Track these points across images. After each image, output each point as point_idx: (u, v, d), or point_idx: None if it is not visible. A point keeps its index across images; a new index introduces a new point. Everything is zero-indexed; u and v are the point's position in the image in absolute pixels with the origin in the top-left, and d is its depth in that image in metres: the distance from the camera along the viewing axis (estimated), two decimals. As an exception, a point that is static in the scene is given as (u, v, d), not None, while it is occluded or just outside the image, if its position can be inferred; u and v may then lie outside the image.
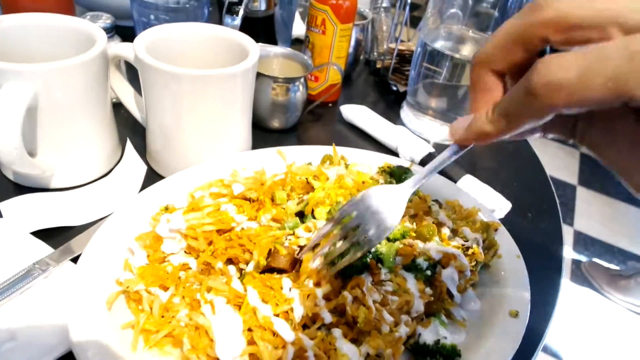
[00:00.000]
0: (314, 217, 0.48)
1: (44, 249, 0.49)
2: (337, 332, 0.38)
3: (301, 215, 0.49)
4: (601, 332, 1.80)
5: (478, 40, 0.74)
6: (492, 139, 0.30)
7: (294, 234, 0.45)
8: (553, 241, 0.64)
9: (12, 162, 0.48)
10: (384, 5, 0.96)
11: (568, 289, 1.89)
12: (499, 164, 0.79)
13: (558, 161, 2.66)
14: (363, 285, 0.40)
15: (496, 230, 0.54)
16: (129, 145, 0.61)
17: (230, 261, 0.45)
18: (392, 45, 0.90)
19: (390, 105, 0.88)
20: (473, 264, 0.47)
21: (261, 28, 0.80)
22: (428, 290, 0.43)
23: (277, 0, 0.80)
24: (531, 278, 0.49)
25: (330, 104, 0.85)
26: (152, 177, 0.61)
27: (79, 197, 0.56)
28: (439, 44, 0.75)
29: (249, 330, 0.38)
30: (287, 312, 0.39)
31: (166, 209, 0.48)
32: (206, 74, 0.52)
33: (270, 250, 0.43)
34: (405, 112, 0.83)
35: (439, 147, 0.78)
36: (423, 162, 0.69)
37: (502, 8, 0.70)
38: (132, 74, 0.65)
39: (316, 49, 0.78)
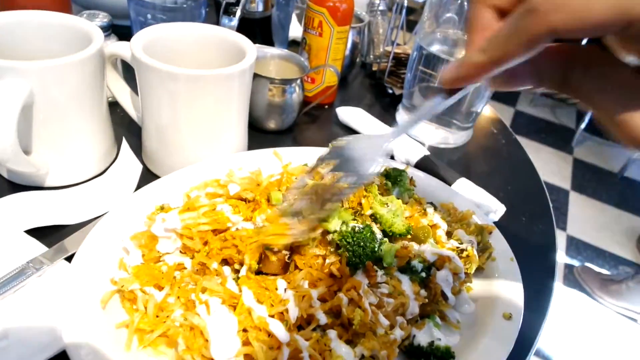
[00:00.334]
0: None
1: (37, 248, 0.48)
2: (332, 333, 0.38)
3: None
4: (593, 336, 1.81)
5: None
6: (483, 72, 0.28)
7: None
8: (546, 245, 0.65)
9: (6, 160, 0.48)
10: (381, 8, 0.96)
11: (560, 293, 1.90)
12: (493, 168, 0.80)
13: (551, 166, 2.68)
14: (359, 287, 0.40)
15: (490, 233, 0.54)
16: (124, 144, 0.61)
17: (225, 262, 0.45)
18: (388, 49, 0.90)
19: (385, 108, 0.89)
20: (467, 266, 0.47)
21: (258, 29, 0.80)
22: (423, 292, 0.43)
23: (274, 2, 0.80)
24: (524, 281, 0.50)
25: (326, 106, 0.85)
26: (148, 176, 0.61)
27: (73, 195, 0.56)
28: (435, 48, 0.75)
29: (244, 330, 0.38)
30: (282, 313, 0.39)
31: (162, 208, 0.48)
32: (203, 74, 0.52)
33: (261, 255, 0.43)
34: (401, 115, 0.83)
35: (434, 150, 0.79)
36: (418, 165, 0.69)
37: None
38: (128, 73, 0.65)
39: (313, 50, 0.78)
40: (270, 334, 0.37)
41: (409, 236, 0.46)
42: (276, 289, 0.40)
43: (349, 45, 0.85)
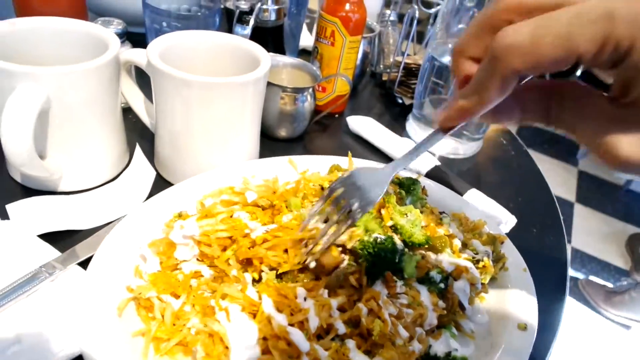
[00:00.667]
0: None
1: (50, 252, 0.48)
2: (350, 343, 0.38)
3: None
4: (600, 350, 1.79)
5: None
6: (469, 114, 0.31)
7: None
8: (557, 258, 0.65)
9: (22, 164, 0.48)
10: (392, 19, 0.97)
11: (566, 306, 1.89)
12: (503, 179, 0.80)
13: (556, 178, 2.67)
14: (379, 298, 0.40)
15: (502, 243, 0.54)
16: (138, 150, 0.61)
17: (245, 268, 0.44)
18: (399, 59, 0.91)
19: (395, 117, 0.89)
20: (483, 276, 0.47)
21: (270, 38, 0.80)
22: (441, 303, 0.43)
23: (286, 11, 0.81)
24: (536, 293, 0.50)
25: (336, 115, 0.85)
26: (160, 182, 0.61)
27: (86, 201, 0.56)
28: (447, 59, 0.75)
29: (264, 339, 0.38)
30: (302, 322, 0.39)
31: (179, 215, 0.48)
32: (218, 82, 0.52)
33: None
34: (411, 125, 0.84)
35: (445, 161, 0.79)
36: (429, 175, 0.69)
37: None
38: (141, 80, 0.65)
39: (324, 60, 0.78)
40: (290, 343, 0.37)
41: (427, 246, 0.46)
42: (295, 297, 0.40)
43: (359, 55, 0.85)
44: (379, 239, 0.43)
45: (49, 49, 0.56)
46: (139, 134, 0.67)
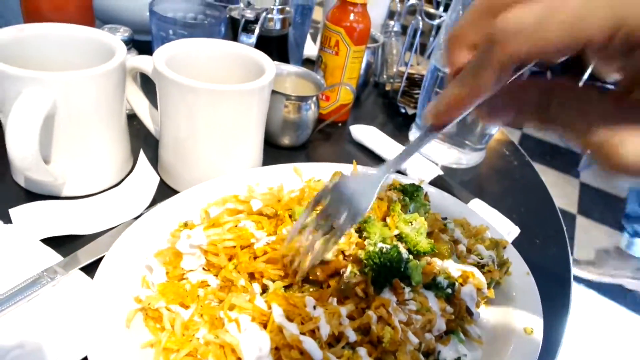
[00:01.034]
0: None
1: (53, 257, 0.48)
2: (362, 351, 0.38)
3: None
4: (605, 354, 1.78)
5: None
6: (462, 105, 0.29)
7: None
8: (562, 268, 0.64)
9: (27, 168, 0.48)
10: (395, 29, 0.98)
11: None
12: (506, 189, 0.80)
13: (557, 190, 2.67)
14: (388, 305, 0.40)
15: (504, 248, 0.54)
16: (142, 156, 0.62)
17: (252, 277, 0.44)
18: (402, 69, 0.91)
19: (398, 127, 0.89)
20: (488, 281, 0.47)
21: (275, 47, 0.81)
22: (449, 308, 0.43)
23: (291, 21, 0.82)
24: (541, 301, 0.49)
25: (339, 124, 0.85)
26: (164, 189, 0.61)
27: (89, 206, 0.56)
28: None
29: (276, 349, 0.37)
30: (313, 330, 0.38)
31: (185, 225, 0.48)
32: (224, 89, 0.53)
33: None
34: (414, 135, 0.84)
35: (447, 171, 0.79)
36: (432, 184, 0.69)
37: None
38: (145, 87, 0.66)
39: (328, 69, 0.79)
40: (302, 352, 0.36)
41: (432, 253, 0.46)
42: (304, 306, 0.39)
43: (363, 65, 0.86)
44: (384, 249, 0.43)
45: (56, 55, 0.57)
46: (142, 141, 0.68)
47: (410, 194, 0.53)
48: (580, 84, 0.29)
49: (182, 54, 0.59)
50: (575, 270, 1.98)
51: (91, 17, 0.73)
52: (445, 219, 0.57)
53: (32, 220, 0.52)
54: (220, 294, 0.43)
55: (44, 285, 0.45)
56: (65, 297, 0.45)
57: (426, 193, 0.58)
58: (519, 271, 0.52)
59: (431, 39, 0.97)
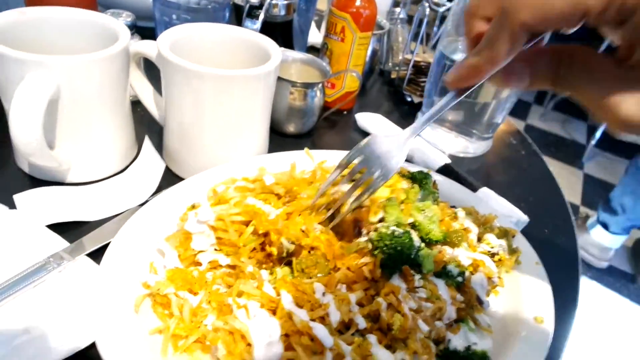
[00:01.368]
0: None
1: (58, 243, 0.48)
2: (372, 338, 0.38)
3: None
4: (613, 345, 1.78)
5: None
6: (480, 72, 0.32)
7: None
8: (570, 256, 0.64)
9: (31, 154, 0.48)
10: (401, 16, 0.96)
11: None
12: (513, 178, 0.79)
13: (561, 181, 2.64)
14: (398, 292, 0.40)
15: (513, 236, 0.53)
16: (147, 141, 0.61)
17: (263, 258, 0.44)
18: (408, 57, 0.90)
19: (404, 115, 0.88)
20: (498, 270, 0.47)
21: (279, 33, 0.80)
22: (459, 296, 0.42)
23: (296, 7, 0.80)
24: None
25: (345, 112, 0.84)
26: (169, 176, 0.60)
27: (94, 192, 0.56)
28: (457, 56, 0.74)
29: (285, 335, 0.37)
30: (322, 317, 0.38)
31: (193, 207, 0.48)
32: (230, 74, 0.52)
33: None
34: (421, 123, 0.83)
35: (454, 159, 0.78)
36: (439, 173, 0.68)
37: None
38: (149, 74, 0.65)
39: (334, 56, 0.77)
40: (312, 338, 0.36)
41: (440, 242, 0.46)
42: (313, 292, 0.39)
43: (368, 52, 0.85)
44: (396, 232, 0.42)
45: (59, 39, 0.56)
46: (147, 128, 0.67)
47: (420, 181, 0.53)
48: (600, 50, 0.32)
49: (186, 38, 0.58)
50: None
51: (93, 2, 0.72)
52: (453, 207, 0.57)
53: (36, 206, 0.51)
54: (228, 280, 0.42)
55: (50, 271, 0.44)
56: (72, 283, 0.44)
57: (435, 181, 0.57)
58: (529, 260, 0.52)
59: (435, 28, 0.95)
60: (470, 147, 0.80)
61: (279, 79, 0.67)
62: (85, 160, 0.56)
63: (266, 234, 0.44)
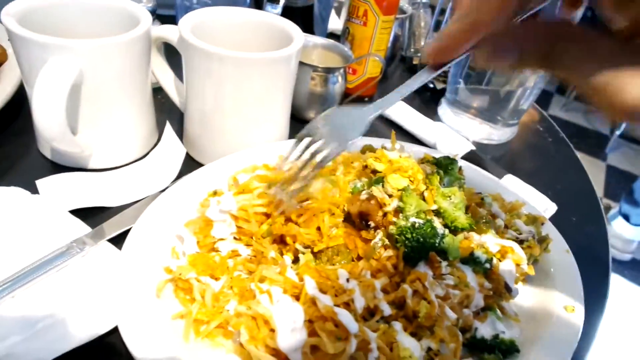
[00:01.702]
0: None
1: (81, 228, 0.48)
2: (397, 325, 0.37)
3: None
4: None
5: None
6: (462, 41, 0.29)
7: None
8: (599, 246, 0.62)
9: (54, 138, 0.48)
10: (423, 1, 0.94)
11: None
12: (540, 166, 0.77)
13: (584, 172, 2.60)
14: (424, 279, 0.39)
15: (542, 224, 0.52)
16: (168, 127, 0.60)
17: (283, 242, 0.43)
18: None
19: (426, 102, 0.86)
20: (527, 257, 0.45)
21: (300, 18, 0.78)
22: (487, 284, 0.41)
23: (316, -8, 0.79)
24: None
25: (366, 99, 0.83)
26: (189, 163, 0.60)
27: (115, 178, 0.56)
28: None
29: (309, 321, 0.36)
30: (347, 303, 0.37)
31: (214, 193, 0.47)
32: (252, 57, 0.51)
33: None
34: (444, 109, 0.81)
35: (478, 146, 0.76)
36: (464, 159, 0.67)
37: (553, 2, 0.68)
38: (170, 61, 0.64)
39: (356, 40, 0.76)
40: (337, 324, 0.35)
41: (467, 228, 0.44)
42: (337, 278, 0.38)
43: (390, 37, 0.83)
44: (416, 224, 0.41)
45: (80, 23, 0.56)
46: (167, 115, 0.66)
47: (445, 167, 0.51)
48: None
49: (207, 22, 0.57)
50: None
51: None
52: (479, 193, 0.55)
53: (58, 191, 0.51)
54: (249, 265, 0.42)
55: (73, 256, 0.44)
56: (95, 268, 0.44)
57: (460, 167, 0.55)
58: (558, 248, 0.50)
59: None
60: (495, 133, 0.78)
61: (301, 63, 0.66)
62: (106, 146, 0.56)
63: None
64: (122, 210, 0.51)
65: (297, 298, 0.38)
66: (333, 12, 1.03)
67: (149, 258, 0.42)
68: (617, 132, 2.72)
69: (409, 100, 0.84)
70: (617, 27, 0.27)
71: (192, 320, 0.38)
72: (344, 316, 0.35)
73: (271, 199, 0.43)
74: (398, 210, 0.43)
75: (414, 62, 0.93)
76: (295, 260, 0.43)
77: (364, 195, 0.44)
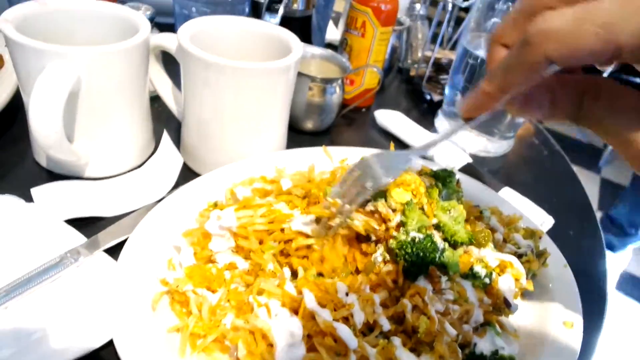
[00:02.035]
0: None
1: (75, 237, 0.47)
2: (396, 340, 0.36)
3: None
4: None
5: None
6: (492, 100, 0.30)
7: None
8: (596, 261, 0.62)
9: (50, 146, 0.47)
10: (421, 13, 0.95)
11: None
12: (536, 179, 0.77)
13: (577, 184, 2.61)
14: (424, 294, 0.38)
15: (540, 238, 0.52)
16: (165, 136, 0.60)
17: (281, 255, 0.43)
18: (428, 54, 0.89)
19: (423, 114, 0.87)
20: (525, 271, 0.45)
21: (298, 28, 0.78)
22: (486, 299, 0.41)
23: (315, 2, 0.79)
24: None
25: (363, 109, 0.83)
26: (186, 172, 0.59)
27: (112, 187, 0.55)
28: (481, 52, 0.73)
29: (308, 336, 0.36)
30: (346, 318, 0.37)
31: (215, 205, 0.46)
32: (250, 67, 0.51)
33: None
34: (441, 121, 0.81)
35: (475, 159, 0.76)
36: (461, 172, 0.67)
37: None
38: (168, 69, 0.64)
39: (354, 51, 0.76)
40: (336, 340, 0.35)
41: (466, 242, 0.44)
42: (336, 292, 0.38)
43: (388, 49, 0.83)
44: (417, 239, 0.41)
45: (78, 31, 0.55)
46: (164, 124, 0.66)
47: (443, 179, 0.51)
48: (605, 74, 0.29)
49: (206, 31, 0.57)
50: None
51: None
52: (477, 207, 0.55)
53: (53, 200, 0.51)
54: (247, 278, 0.41)
55: (67, 266, 0.43)
56: (89, 279, 0.43)
57: (458, 180, 0.55)
58: (556, 263, 0.50)
59: (450, 29, 0.94)
60: (491, 146, 0.78)
61: (299, 74, 0.66)
62: (103, 154, 0.55)
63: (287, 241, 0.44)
64: (118, 220, 0.50)
65: (296, 312, 0.37)
66: (331, 23, 1.03)
67: (145, 269, 0.41)
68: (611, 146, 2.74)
69: (406, 111, 0.84)
70: None
71: (189, 334, 0.38)
72: (344, 332, 0.34)
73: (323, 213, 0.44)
74: (399, 225, 0.43)
75: (411, 74, 0.94)
76: (294, 275, 0.42)
77: (369, 207, 0.44)
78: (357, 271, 0.43)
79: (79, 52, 0.46)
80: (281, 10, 0.71)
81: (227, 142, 0.57)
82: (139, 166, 0.59)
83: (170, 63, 0.60)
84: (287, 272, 0.41)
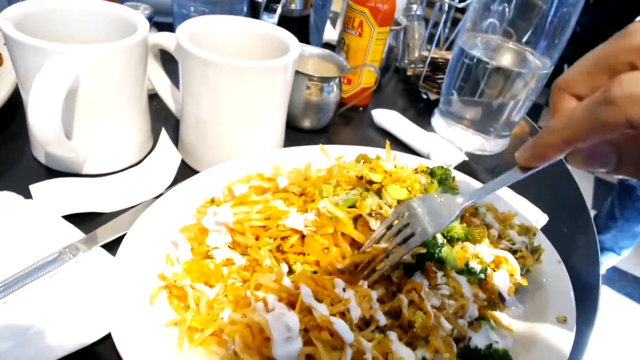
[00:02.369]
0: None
1: (74, 233, 0.47)
2: (392, 335, 0.37)
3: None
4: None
5: (516, 51, 0.73)
6: (554, 152, 0.29)
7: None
8: (590, 258, 0.62)
9: (48, 143, 0.47)
10: (418, 13, 0.95)
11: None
12: (531, 177, 0.77)
13: (573, 184, 2.63)
14: (420, 289, 0.39)
15: (534, 234, 0.52)
16: (163, 134, 0.60)
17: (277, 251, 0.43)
18: (425, 53, 0.89)
19: (419, 112, 0.87)
20: (520, 267, 0.46)
21: (296, 28, 0.79)
22: (481, 294, 0.41)
23: (312, 2, 0.80)
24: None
25: (360, 108, 0.84)
26: (184, 170, 0.60)
27: (110, 184, 0.55)
28: (477, 52, 0.73)
29: (305, 330, 0.36)
30: (343, 312, 0.37)
31: (212, 201, 0.47)
32: (248, 65, 0.51)
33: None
34: (437, 120, 0.82)
35: (471, 157, 0.77)
36: (457, 170, 0.67)
37: (542, 18, 0.69)
38: (166, 68, 0.64)
39: (351, 51, 0.77)
40: (332, 334, 0.35)
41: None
42: (333, 287, 0.38)
43: (385, 48, 0.84)
44: None
45: (77, 29, 0.56)
46: (162, 122, 0.66)
47: (439, 176, 0.52)
48: None
49: (205, 30, 0.58)
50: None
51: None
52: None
53: (52, 196, 0.51)
54: (244, 274, 0.42)
55: (65, 262, 0.44)
56: (88, 274, 0.44)
57: (454, 177, 0.56)
58: (550, 259, 0.51)
59: (447, 30, 0.94)
60: (487, 145, 0.79)
61: (297, 72, 0.66)
62: (101, 151, 0.55)
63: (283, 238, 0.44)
64: (116, 216, 0.51)
65: (293, 306, 0.38)
66: (328, 23, 1.04)
67: (143, 264, 0.42)
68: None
69: (403, 110, 0.85)
70: None
71: (186, 327, 0.38)
72: (340, 326, 0.35)
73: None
74: None
75: (408, 74, 0.94)
76: (291, 271, 0.43)
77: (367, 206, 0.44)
78: (356, 268, 0.43)
79: (78, 50, 0.47)
80: (279, 10, 0.71)
81: (225, 139, 0.57)
82: (137, 163, 0.59)
83: (168, 62, 0.61)
84: (284, 267, 0.42)
